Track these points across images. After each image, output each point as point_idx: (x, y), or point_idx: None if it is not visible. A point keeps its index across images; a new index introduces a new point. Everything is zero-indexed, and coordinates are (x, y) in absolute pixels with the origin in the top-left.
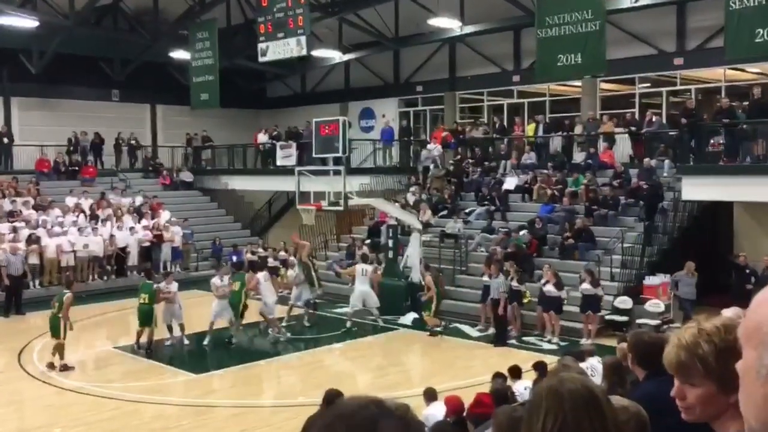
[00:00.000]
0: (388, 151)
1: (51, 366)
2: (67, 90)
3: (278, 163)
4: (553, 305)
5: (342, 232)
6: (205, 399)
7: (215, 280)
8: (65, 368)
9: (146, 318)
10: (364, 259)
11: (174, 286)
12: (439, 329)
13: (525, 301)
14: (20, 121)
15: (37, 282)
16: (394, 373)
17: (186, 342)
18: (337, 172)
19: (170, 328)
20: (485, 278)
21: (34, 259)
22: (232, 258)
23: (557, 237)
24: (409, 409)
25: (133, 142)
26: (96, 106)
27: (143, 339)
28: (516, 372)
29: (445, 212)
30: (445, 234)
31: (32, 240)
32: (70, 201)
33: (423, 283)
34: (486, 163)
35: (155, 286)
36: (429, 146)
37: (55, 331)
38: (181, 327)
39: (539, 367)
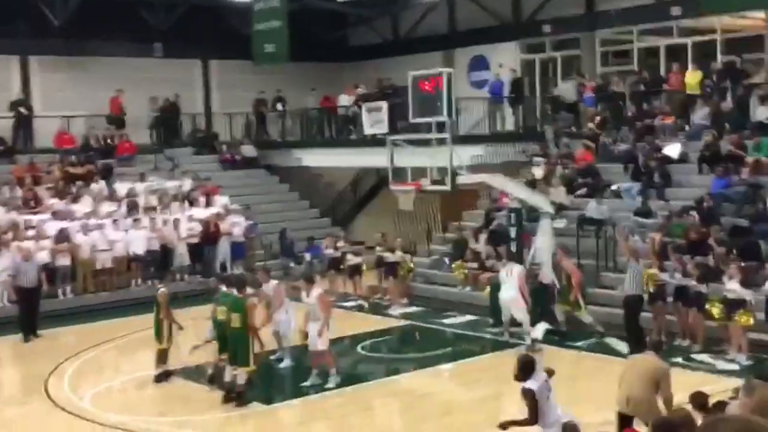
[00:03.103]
0: (499, 112)
1: None
2: (98, 45)
3: (366, 131)
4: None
5: (449, 219)
6: None
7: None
8: None
9: (233, 346)
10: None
11: (273, 285)
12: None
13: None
14: (42, 87)
15: (68, 288)
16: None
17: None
18: (441, 141)
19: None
20: None
21: (64, 260)
22: (306, 255)
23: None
24: None
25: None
26: (134, 64)
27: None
28: (701, 402)
29: (584, 190)
30: (585, 219)
31: (62, 237)
32: (103, 187)
33: (555, 282)
34: (639, 123)
35: (249, 301)
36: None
37: None
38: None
39: (697, 401)
